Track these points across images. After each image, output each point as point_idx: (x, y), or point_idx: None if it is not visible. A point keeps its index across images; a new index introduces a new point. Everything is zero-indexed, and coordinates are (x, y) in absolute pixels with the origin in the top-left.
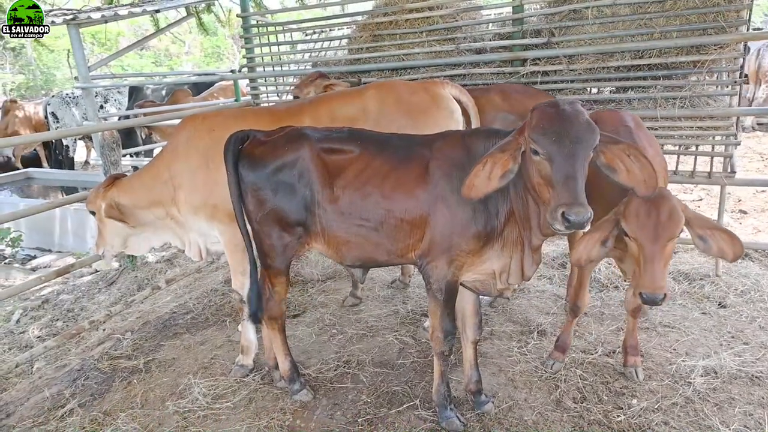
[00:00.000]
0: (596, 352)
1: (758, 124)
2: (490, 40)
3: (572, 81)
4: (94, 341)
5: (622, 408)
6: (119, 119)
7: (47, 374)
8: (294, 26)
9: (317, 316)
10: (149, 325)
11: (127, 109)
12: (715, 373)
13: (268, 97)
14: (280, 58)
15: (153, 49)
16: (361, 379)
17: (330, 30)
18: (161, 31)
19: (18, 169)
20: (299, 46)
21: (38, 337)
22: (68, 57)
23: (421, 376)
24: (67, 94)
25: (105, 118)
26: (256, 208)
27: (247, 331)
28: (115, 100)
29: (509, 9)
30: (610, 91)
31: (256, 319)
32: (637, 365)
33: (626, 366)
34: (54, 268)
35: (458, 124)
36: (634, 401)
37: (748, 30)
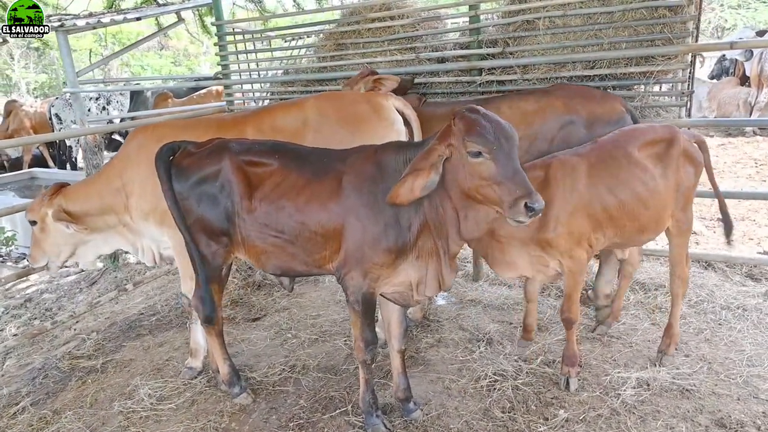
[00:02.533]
0: (536, 361)
1: (760, 128)
2: (450, 49)
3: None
4: (62, 341)
5: (548, 419)
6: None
7: (11, 372)
8: (270, 33)
9: (276, 320)
10: (115, 326)
11: (129, 111)
12: (648, 385)
13: (244, 103)
14: (257, 65)
15: (173, 50)
16: (302, 383)
17: (307, 36)
18: (150, 37)
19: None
20: (268, 54)
21: (14, 335)
22: (90, 56)
23: None
24: (70, 96)
25: (110, 120)
26: (185, 216)
27: (195, 333)
28: (117, 102)
29: (467, 19)
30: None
31: (210, 321)
32: (570, 375)
33: (561, 375)
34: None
35: (399, 136)
36: (561, 412)
37: (696, 41)
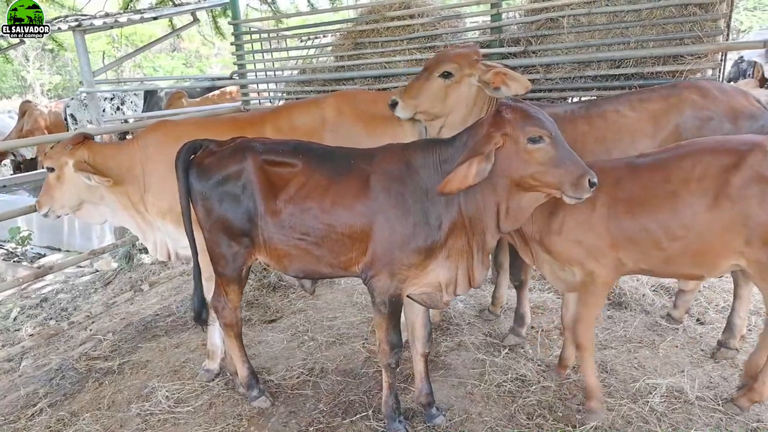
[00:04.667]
0: (553, 364)
1: None
2: None
3: (549, 90)
4: (78, 341)
5: (575, 426)
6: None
7: (28, 373)
8: (287, 33)
9: (292, 322)
10: (131, 327)
11: (142, 111)
12: (679, 393)
13: (260, 102)
14: (273, 65)
15: (184, 51)
16: (321, 387)
17: (324, 36)
18: (165, 37)
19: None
20: (288, 53)
21: (30, 335)
22: (103, 58)
23: (381, 386)
24: (85, 97)
25: (126, 120)
26: (205, 216)
27: (213, 335)
28: (131, 102)
29: (488, 18)
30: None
31: (199, 320)
32: (587, 408)
33: (582, 407)
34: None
35: (416, 135)
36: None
37: (726, 40)
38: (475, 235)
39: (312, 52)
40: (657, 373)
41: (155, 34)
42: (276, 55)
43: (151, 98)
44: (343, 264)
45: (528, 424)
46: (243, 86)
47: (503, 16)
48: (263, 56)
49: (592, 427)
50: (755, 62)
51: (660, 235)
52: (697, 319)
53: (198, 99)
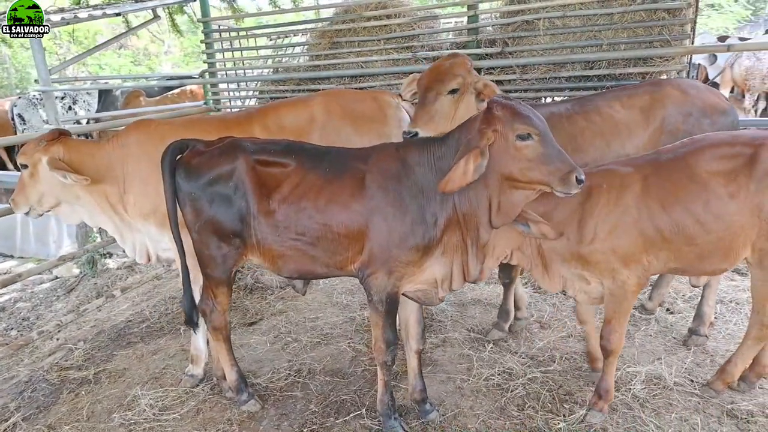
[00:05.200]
0: (544, 359)
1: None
2: (447, 49)
3: (525, 90)
4: (46, 351)
5: (564, 415)
6: (87, 122)
7: None
8: (256, 32)
9: (273, 324)
10: (103, 335)
11: (97, 111)
12: (657, 379)
13: (230, 102)
14: (243, 64)
15: (132, 48)
16: (310, 388)
17: (294, 35)
18: (124, 35)
19: None
20: (260, 52)
21: None
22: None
23: (371, 385)
24: (34, 96)
25: (78, 121)
26: (194, 217)
27: (196, 339)
28: (84, 101)
29: (464, 19)
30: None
31: (191, 323)
32: (596, 408)
33: (589, 404)
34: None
35: None
36: (576, 408)
37: (692, 43)
38: (469, 230)
39: (287, 50)
40: (635, 362)
41: (101, 30)
42: (247, 53)
43: (106, 97)
44: (339, 263)
45: (519, 415)
46: (213, 85)
47: (480, 17)
48: (233, 55)
49: (581, 416)
50: (699, 64)
51: (695, 229)
52: (667, 309)
53: (156, 98)
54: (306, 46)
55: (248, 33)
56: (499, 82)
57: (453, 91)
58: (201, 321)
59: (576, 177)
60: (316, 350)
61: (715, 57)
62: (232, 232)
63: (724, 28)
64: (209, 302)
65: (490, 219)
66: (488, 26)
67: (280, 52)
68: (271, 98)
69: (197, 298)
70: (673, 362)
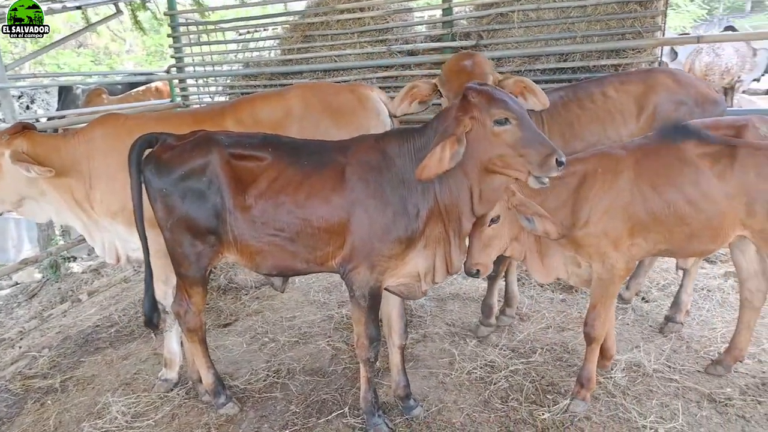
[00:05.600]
0: (524, 351)
1: None
2: (421, 42)
3: None
4: (8, 360)
5: (548, 406)
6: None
7: None
8: (224, 25)
9: (249, 324)
10: (69, 341)
11: (57, 110)
12: (637, 367)
13: (199, 98)
14: (212, 58)
15: (91, 47)
16: (290, 388)
17: (264, 29)
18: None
19: None
20: (230, 46)
21: None
22: None
23: (352, 383)
24: None
25: (37, 120)
26: (166, 215)
27: (170, 342)
28: (42, 100)
29: (439, 11)
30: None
31: (150, 325)
32: (578, 396)
33: (571, 394)
34: None
35: (385, 127)
36: (559, 398)
37: (663, 35)
38: (451, 221)
39: (258, 44)
40: (615, 350)
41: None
42: (215, 48)
43: (66, 95)
44: (320, 259)
45: (503, 408)
46: (181, 81)
47: (454, 10)
48: (201, 49)
49: (565, 406)
50: (660, 60)
51: (687, 210)
52: (643, 298)
53: (119, 96)
54: (277, 40)
55: (216, 27)
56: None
57: None
58: (174, 323)
59: (556, 159)
60: (294, 350)
61: (677, 54)
62: (206, 229)
63: (681, 26)
64: (183, 303)
65: (472, 208)
66: (462, 19)
67: (250, 47)
68: (242, 93)
69: (168, 299)
70: (651, 350)
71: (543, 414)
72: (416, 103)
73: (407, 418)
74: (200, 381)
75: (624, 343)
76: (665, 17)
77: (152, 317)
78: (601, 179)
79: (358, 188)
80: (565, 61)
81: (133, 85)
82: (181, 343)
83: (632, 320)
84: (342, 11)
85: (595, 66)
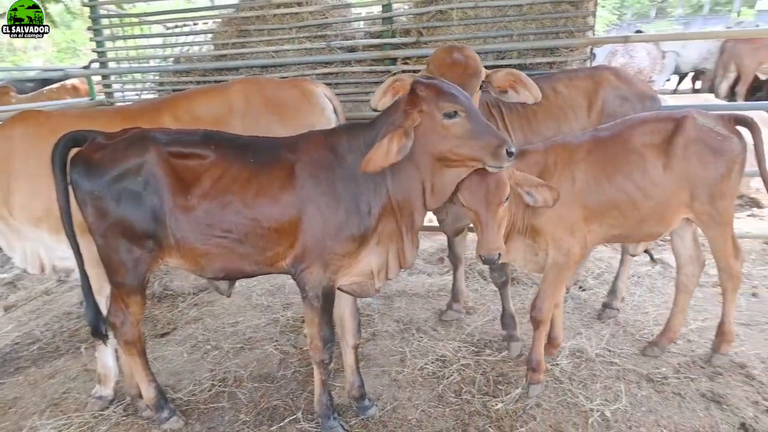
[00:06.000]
0: (473, 344)
1: None
2: (361, 38)
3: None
4: None
5: (499, 396)
6: None
7: None
8: (150, 18)
9: (189, 333)
10: None
11: None
12: (580, 352)
13: (123, 96)
14: (137, 53)
15: None
16: (238, 396)
17: (193, 24)
18: None
19: None
20: (158, 41)
21: None
22: None
23: (303, 387)
24: None
25: None
26: (98, 219)
27: (104, 357)
28: None
29: (379, 8)
30: None
31: (99, 334)
32: (533, 381)
33: (525, 380)
34: None
35: (330, 123)
36: (510, 388)
37: (593, 35)
38: (403, 216)
39: (188, 39)
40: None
41: None
42: (142, 42)
43: None
44: (270, 260)
45: (457, 401)
46: (105, 77)
47: (393, 6)
48: (125, 43)
49: (517, 395)
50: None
51: (637, 195)
52: (580, 287)
53: (30, 95)
54: (210, 35)
55: (141, 20)
56: (415, 71)
57: (480, 86)
58: (109, 335)
59: (507, 150)
60: (240, 356)
61: (595, 55)
62: (144, 233)
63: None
64: (119, 314)
65: (424, 202)
66: (402, 16)
67: (180, 41)
68: (173, 90)
69: (102, 310)
70: (591, 335)
71: (496, 405)
72: (399, 97)
73: (363, 419)
74: (140, 396)
75: (566, 330)
76: (595, 18)
77: (98, 325)
78: (560, 169)
79: (309, 186)
80: (502, 58)
81: (46, 82)
82: (117, 356)
83: (572, 308)
84: (278, 5)
85: (531, 63)
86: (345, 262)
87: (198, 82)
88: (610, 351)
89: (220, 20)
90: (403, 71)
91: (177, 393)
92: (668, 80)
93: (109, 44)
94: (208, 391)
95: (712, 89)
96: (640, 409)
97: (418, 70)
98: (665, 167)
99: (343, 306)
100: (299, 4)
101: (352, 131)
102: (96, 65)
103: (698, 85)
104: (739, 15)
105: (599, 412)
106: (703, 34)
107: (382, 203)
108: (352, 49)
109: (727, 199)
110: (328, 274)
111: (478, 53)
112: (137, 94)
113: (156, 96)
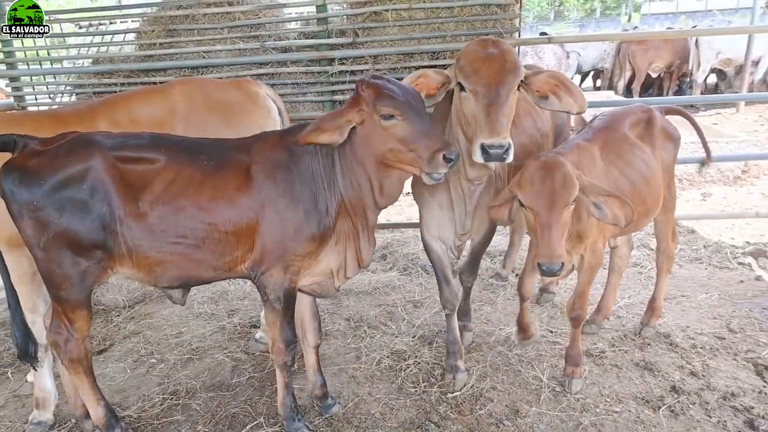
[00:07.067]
0: (422, 336)
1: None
2: (296, 39)
3: None
4: None
5: (458, 388)
6: None
7: None
8: (61, 17)
9: (129, 347)
10: None
11: None
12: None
13: (36, 99)
14: (48, 53)
15: None
16: (193, 407)
17: (110, 23)
18: None
19: None
20: (72, 40)
21: None
22: None
23: (260, 392)
24: None
25: None
26: (37, 232)
27: (42, 379)
28: None
29: (313, 9)
30: None
31: (27, 358)
32: (575, 375)
33: (564, 376)
34: None
35: (276, 124)
36: (465, 375)
37: (519, 36)
38: (357, 215)
39: (107, 38)
40: (503, 323)
41: None
42: (55, 41)
43: None
44: (228, 264)
45: (416, 391)
46: (14, 79)
47: (328, 7)
48: (35, 42)
49: (470, 383)
50: None
51: (644, 187)
52: (516, 274)
53: None
54: (134, 34)
55: (51, 18)
56: (353, 73)
57: (518, 87)
58: (47, 355)
59: (444, 155)
60: (189, 367)
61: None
62: (92, 243)
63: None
64: (63, 331)
65: (374, 201)
66: (336, 16)
67: (97, 41)
68: (94, 93)
69: (38, 329)
70: (533, 319)
71: (454, 391)
72: (422, 96)
73: (327, 417)
74: (87, 416)
75: (510, 316)
76: (520, 19)
77: (27, 348)
78: (591, 172)
79: (267, 188)
80: (437, 59)
81: None
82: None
83: (512, 295)
84: (209, 5)
85: None
86: (306, 263)
87: (122, 84)
88: (551, 332)
89: (145, 19)
90: (340, 72)
91: (125, 411)
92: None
93: (17, 44)
94: (160, 405)
95: (611, 86)
96: (584, 382)
97: (357, 71)
98: (653, 157)
99: (303, 306)
100: (230, 4)
101: None
102: (2, 67)
103: (599, 83)
104: (630, 19)
105: (549, 388)
106: (617, 36)
107: (337, 201)
108: (286, 50)
109: (674, 184)
110: (289, 276)
111: (412, 54)
112: (50, 97)
113: (75, 100)
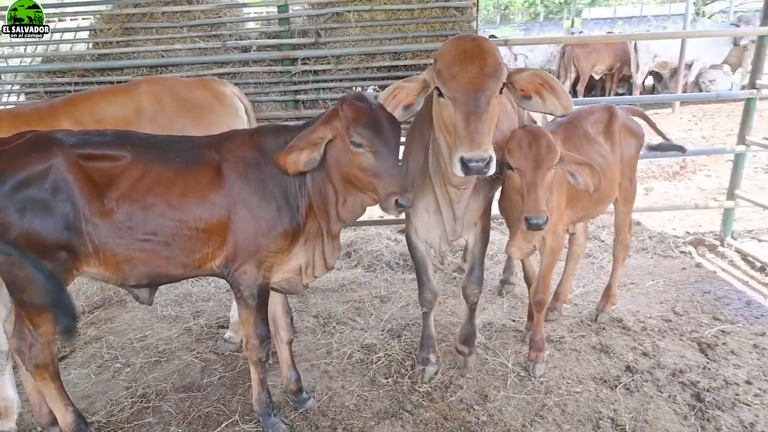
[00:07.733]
0: (391, 329)
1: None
2: (257, 38)
3: (341, 80)
4: None
5: (429, 379)
6: None
7: None
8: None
9: (91, 353)
10: None
11: None
12: (490, 324)
13: None
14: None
15: None
16: (165, 409)
17: (58, 20)
18: None
19: None
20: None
21: None
22: None
23: (233, 390)
24: None
25: None
26: (2, 233)
27: (3, 387)
28: None
29: (274, 9)
30: (374, 89)
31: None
32: (538, 360)
33: (528, 360)
34: None
35: (243, 123)
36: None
37: None
38: (322, 219)
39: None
40: None
41: None
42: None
43: None
44: (198, 262)
45: (388, 382)
46: None
47: (290, 7)
48: None
49: (441, 370)
50: None
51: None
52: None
53: None
54: (87, 32)
55: None
56: (316, 73)
57: (501, 89)
58: (8, 362)
59: (397, 200)
60: (157, 370)
61: None
62: (57, 243)
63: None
64: (27, 336)
65: (337, 213)
66: (298, 16)
67: (45, 39)
68: (46, 92)
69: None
70: (496, 309)
71: (424, 383)
72: (401, 108)
73: (302, 412)
74: (53, 424)
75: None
76: (477, 22)
77: None
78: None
79: (239, 186)
80: (398, 59)
81: None
82: (19, 385)
83: None
84: (167, 2)
85: (424, 64)
86: (278, 259)
87: (77, 83)
88: (513, 321)
89: (99, 16)
90: (303, 72)
91: (93, 416)
92: None
93: None
94: (129, 409)
95: None
96: (546, 366)
97: (319, 71)
98: (612, 151)
99: (275, 303)
100: (189, 2)
101: (279, 131)
102: None
103: None
104: (573, 24)
105: (515, 373)
106: (568, 39)
107: (306, 202)
108: (247, 49)
109: (635, 178)
110: (262, 272)
111: (374, 55)
112: None
113: (27, 98)
